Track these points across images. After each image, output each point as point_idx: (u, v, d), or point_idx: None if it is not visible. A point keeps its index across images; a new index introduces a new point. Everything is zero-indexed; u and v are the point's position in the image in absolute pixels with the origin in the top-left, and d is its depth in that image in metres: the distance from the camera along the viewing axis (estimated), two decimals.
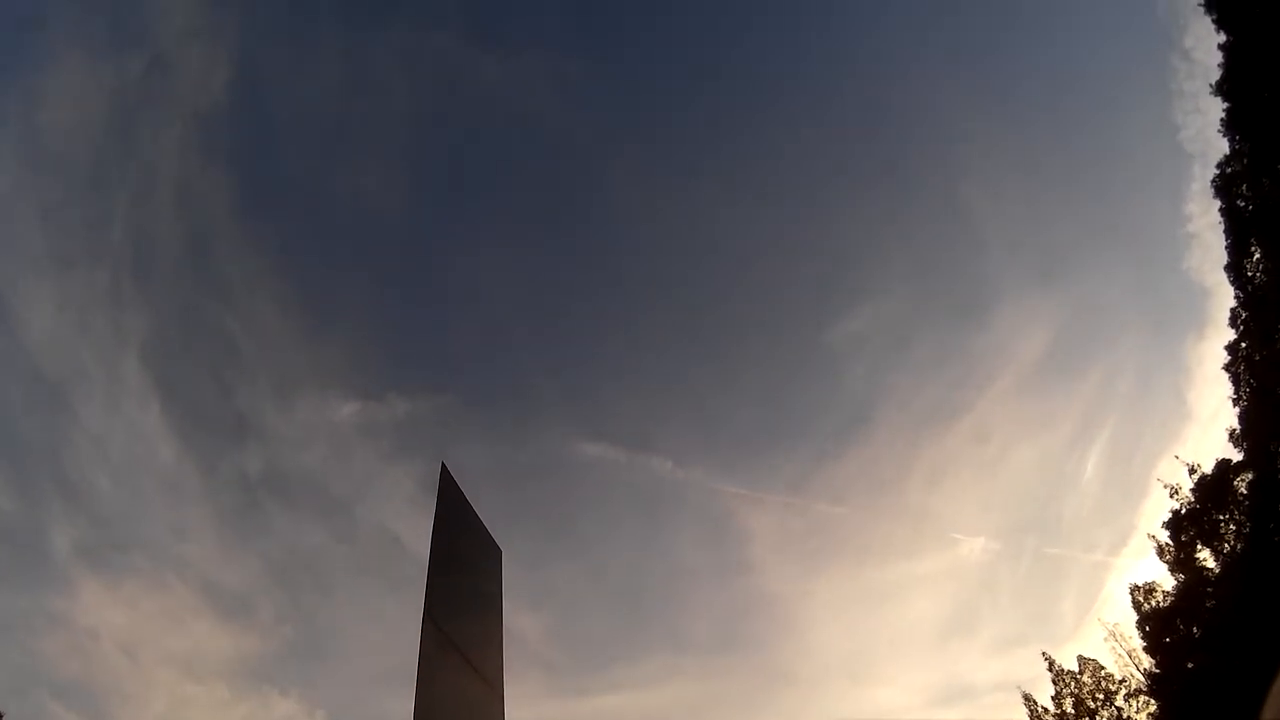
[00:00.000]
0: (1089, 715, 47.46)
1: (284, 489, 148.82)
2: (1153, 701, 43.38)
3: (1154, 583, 43.87)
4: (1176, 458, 73.98)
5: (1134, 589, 45.22)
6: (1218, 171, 28.45)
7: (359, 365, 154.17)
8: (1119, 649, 46.66)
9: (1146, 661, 43.79)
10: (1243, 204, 27.90)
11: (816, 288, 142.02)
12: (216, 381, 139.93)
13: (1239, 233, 28.53)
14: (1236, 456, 33.96)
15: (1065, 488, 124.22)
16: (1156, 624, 38.62)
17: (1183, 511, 37.24)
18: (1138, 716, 44.32)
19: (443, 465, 11.46)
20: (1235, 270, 29.46)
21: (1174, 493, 38.15)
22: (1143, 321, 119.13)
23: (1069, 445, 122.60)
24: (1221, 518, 35.58)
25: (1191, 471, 37.24)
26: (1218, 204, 29.30)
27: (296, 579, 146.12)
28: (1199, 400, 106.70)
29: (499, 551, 13.38)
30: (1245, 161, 27.27)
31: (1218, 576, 34.99)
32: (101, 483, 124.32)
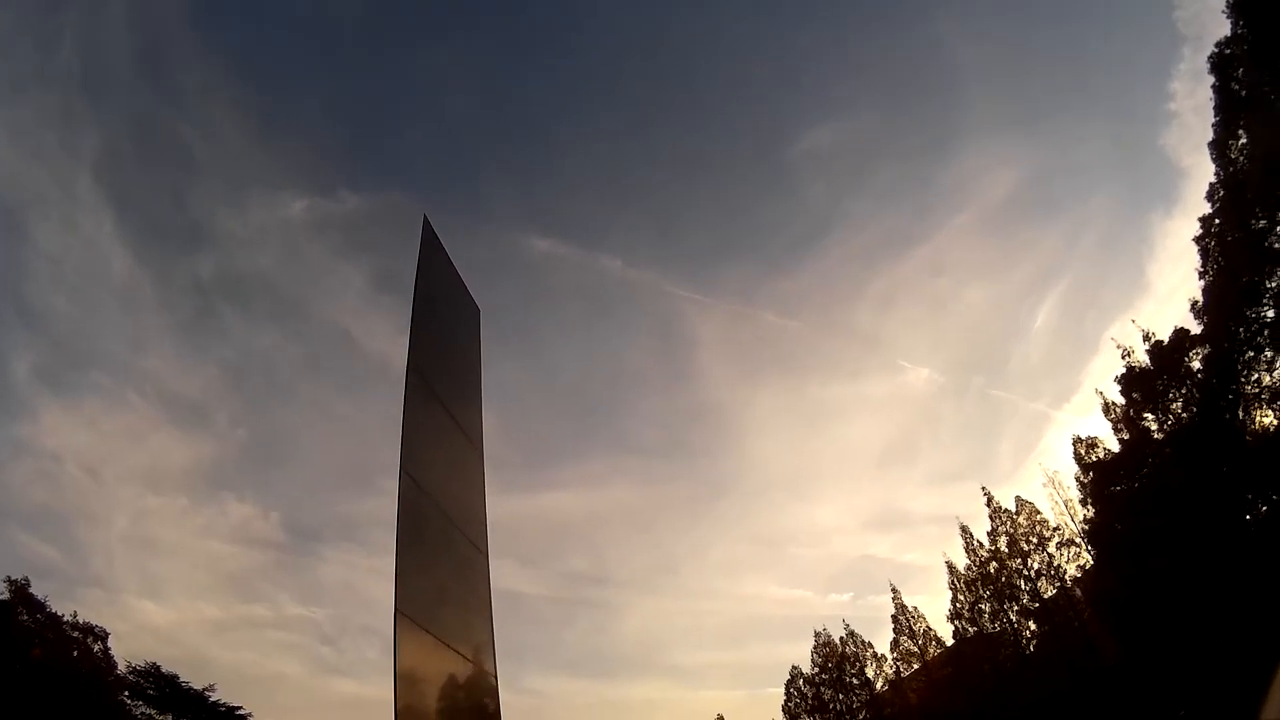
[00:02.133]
0: (1021, 557, 49.56)
1: (237, 292, 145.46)
2: (1083, 554, 45.41)
3: (1097, 438, 44.87)
4: (1133, 322, 74.90)
5: (1077, 441, 46.28)
6: (1215, 50, 28.27)
7: (311, 163, 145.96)
8: (1056, 497, 48.36)
9: (1081, 514, 45.46)
10: (1236, 86, 27.90)
11: (778, 92, 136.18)
12: (170, 191, 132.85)
13: (1229, 113, 28.60)
14: (1194, 329, 33.32)
15: (1015, 334, 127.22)
16: (1100, 474, 39.72)
17: (1137, 371, 36.95)
18: (1067, 566, 46.34)
19: (424, 219, 11.86)
20: (1219, 148, 29.67)
21: (1126, 354, 38.16)
22: (1112, 187, 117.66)
23: (1023, 292, 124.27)
24: (1172, 386, 35.38)
25: (1146, 338, 37.05)
26: (1210, 81, 29.19)
27: (251, 384, 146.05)
28: (1159, 275, 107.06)
29: (477, 310, 13.95)
30: (1245, 47, 27.07)
31: (1163, 441, 35.32)
32: (59, 304, 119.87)
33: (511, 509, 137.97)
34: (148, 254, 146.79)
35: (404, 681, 7.84)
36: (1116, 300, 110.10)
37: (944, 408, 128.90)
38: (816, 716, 62.41)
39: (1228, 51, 27.78)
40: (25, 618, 40.27)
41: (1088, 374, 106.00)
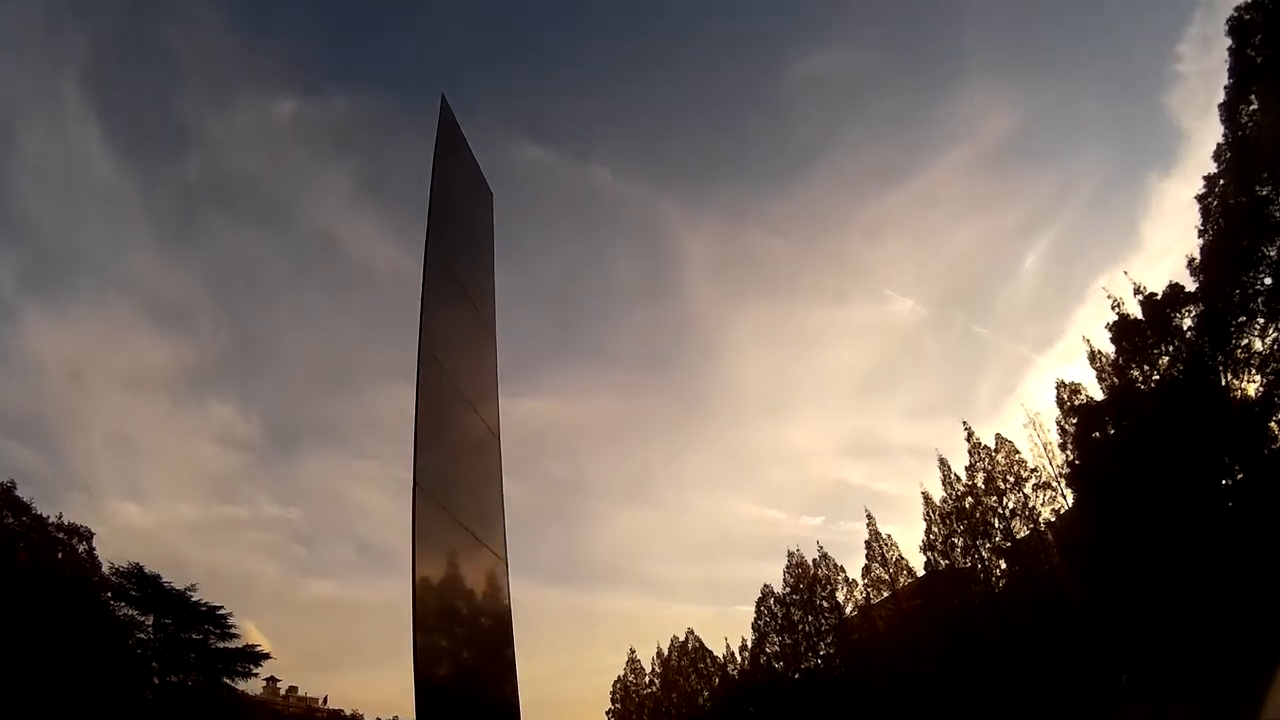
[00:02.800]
0: (998, 495, 50.27)
1: (222, 196, 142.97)
2: (1059, 498, 45.96)
3: (1080, 385, 44.80)
4: (1125, 274, 74.39)
5: (1060, 386, 46.47)
6: (1235, 14, 27.95)
7: (298, 63, 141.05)
8: (1036, 439, 48.81)
9: (1060, 458, 45.81)
10: (1252, 53, 27.57)
11: (779, 15, 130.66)
12: (155, 94, 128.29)
13: (1243, 77, 28.29)
14: (1190, 286, 32.94)
15: (1002, 275, 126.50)
16: (1085, 418, 39.95)
17: (1128, 321, 36.67)
18: (1042, 509, 46.96)
19: (442, 98, 11.97)
20: (1230, 110, 29.38)
21: (1116, 305, 37.85)
22: (1110, 141, 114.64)
23: (1014, 234, 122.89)
24: (1162, 341, 35.11)
25: (1137, 291, 36.90)
26: (1226, 44, 28.90)
27: (235, 287, 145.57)
28: (1152, 232, 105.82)
29: (490, 194, 14.13)
30: (1263, 15, 26.90)
31: (1149, 394, 35.11)
32: (43, 211, 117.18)
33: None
34: (133, 159, 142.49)
35: (422, 560, 7.95)
36: (1107, 253, 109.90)
37: (926, 341, 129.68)
38: (785, 636, 64.43)
39: (1247, 17, 27.40)
40: (10, 520, 40.39)
41: (1072, 322, 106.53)
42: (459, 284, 11.49)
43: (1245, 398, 31.45)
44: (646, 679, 79.24)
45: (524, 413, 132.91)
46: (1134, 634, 34.41)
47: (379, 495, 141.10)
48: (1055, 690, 39.21)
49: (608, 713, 78.63)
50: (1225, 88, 29.19)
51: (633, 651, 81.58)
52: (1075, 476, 40.35)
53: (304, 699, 78.18)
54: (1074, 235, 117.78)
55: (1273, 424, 30.24)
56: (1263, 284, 29.66)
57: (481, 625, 10.16)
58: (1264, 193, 28.86)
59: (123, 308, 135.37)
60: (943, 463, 55.36)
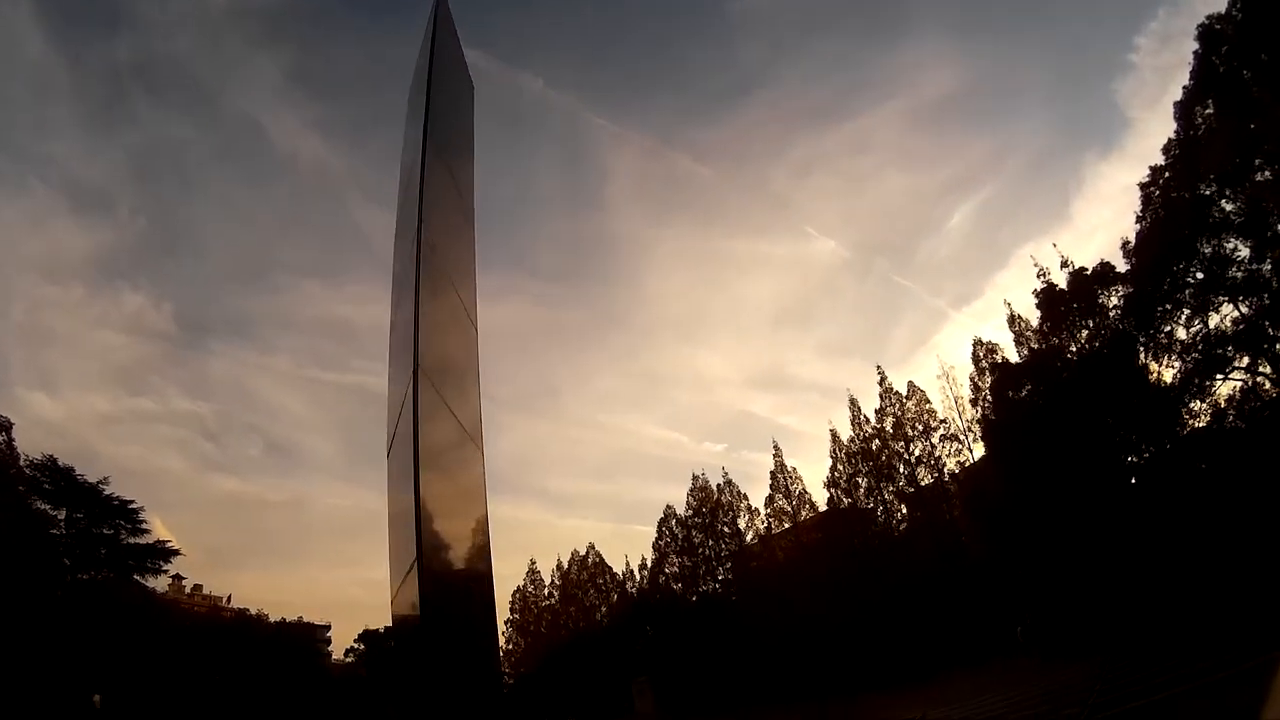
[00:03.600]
0: (905, 440, 51.95)
1: (152, 79, 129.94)
2: (965, 451, 47.88)
3: (997, 344, 46.02)
4: (1054, 245, 76.62)
5: (978, 343, 48.04)
6: (1206, 23, 28.88)
7: None
8: (949, 391, 50.19)
9: (970, 413, 47.55)
10: (1217, 61, 28.72)
11: None
12: None
13: (1204, 82, 29.51)
14: (1120, 266, 34.16)
15: (927, 229, 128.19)
16: (1004, 376, 41.65)
17: (1055, 291, 37.65)
18: (948, 460, 48.87)
19: None
20: (1186, 109, 30.71)
21: (1042, 274, 38.89)
22: (1054, 114, 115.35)
23: (943, 190, 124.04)
24: (1086, 315, 36.30)
25: (1064, 264, 38.30)
26: (1184, 47, 31.25)
27: (158, 173, 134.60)
28: (1082, 210, 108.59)
29: (472, 85, 14.69)
30: (1233, 28, 27.82)
31: (1068, 363, 36.31)
32: None
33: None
34: (64, 38, 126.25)
35: (425, 451, 8.09)
36: (1034, 223, 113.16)
37: (845, 282, 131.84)
38: (685, 558, 65.93)
39: (1217, 27, 28.45)
40: None
41: (992, 284, 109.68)
42: (450, 175, 11.85)
43: (1162, 381, 33.12)
44: (546, 590, 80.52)
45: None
46: (1030, 590, 36.57)
47: (288, 393, 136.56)
48: (950, 636, 41.55)
49: (506, 622, 79.79)
50: (1184, 87, 30.36)
51: (533, 563, 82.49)
52: (989, 432, 42.00)
53: (209, 598, 76.76)
54: (1003, 201, 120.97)
55: (1184, 412, 32.02)
56: (1194, 277, 31.03)
57: (464, 519, 10.24)
58: (1207, 192, 30.45)
59: (41, 190, 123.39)
60: (853, 403, 56.76)
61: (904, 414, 53.82)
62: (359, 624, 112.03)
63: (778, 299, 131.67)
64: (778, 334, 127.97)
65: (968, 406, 49.19)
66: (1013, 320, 44.96)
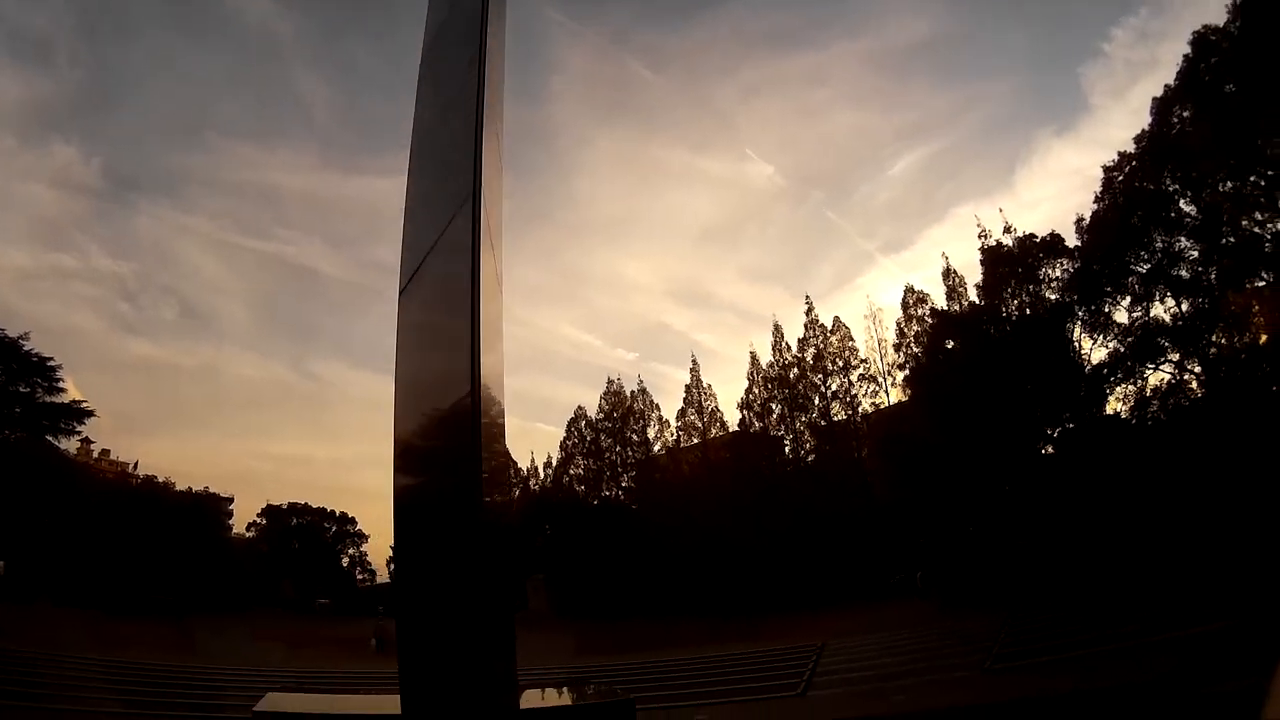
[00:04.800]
0: (824, 374, 52.80)
1: None
2: (881, 394, 49.20)
3: (928, 294, 46.83)
4: (1000, 210, 77.42)
5: (909, 290, 49.32)
6: (1200, 32, 29.59)
7: None
8: (874, 332, 50.94)
9: (893, 356, 48.57)
10: (1204, 68, 29.48)
11: None
12: None
13: (1188, 85, 30.31)
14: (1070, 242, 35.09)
15: (869, 171, 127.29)
16: (940, 326, 41.78)
17: (1004, 250, 38.07)
18: (864, 399, 50.17)
19: None
20: (1163, 106, 31.74)
21: (983, 235, 39.13)
22: (1017, 83, 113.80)
23: (892, 136, 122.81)
24: (1024, 280, 36.85)
25: (1007, 229, 39.37)
26: (1171, 49, 33.51)
27: (99, 21, 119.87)
28: (1026, 183, 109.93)
29: None
30: (1229, 42, 28.46)
31: (1001, 320, 36.88)
32: None
33: (331, 186, 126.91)
34: None
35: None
36: (978, 185, 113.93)
37: (777, 210, 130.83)
38: (591, 460, 66.56)
39: (1212, 38, 29.33)
40: None
41: (924, 237, 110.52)
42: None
43: (1092, 360, 34.51)
44: None
45: (359, 189, 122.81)
46: (936, 538, 38.35)
47: (207, 256, 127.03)
48: (850, 572, 43.46)
49: None
50: (1166, 86, 31.51)
51: None
52: (916, 378, 42.99)
53: (115, 463, 72.85)
54: (950, 158, 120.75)
55: (1107, 390, 33.61)
56: (1143, 266, 32.14)
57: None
58: (1170, 189, 32.18)
59: None
60: (777, 328, 57.62)
61: (826, 347, 54.87)
62: (260, 498, 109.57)
63: (708, 216, 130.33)
64: (703, 250, 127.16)
65: (890, 350, 50.56)
66: (948, 273, 46.00)
